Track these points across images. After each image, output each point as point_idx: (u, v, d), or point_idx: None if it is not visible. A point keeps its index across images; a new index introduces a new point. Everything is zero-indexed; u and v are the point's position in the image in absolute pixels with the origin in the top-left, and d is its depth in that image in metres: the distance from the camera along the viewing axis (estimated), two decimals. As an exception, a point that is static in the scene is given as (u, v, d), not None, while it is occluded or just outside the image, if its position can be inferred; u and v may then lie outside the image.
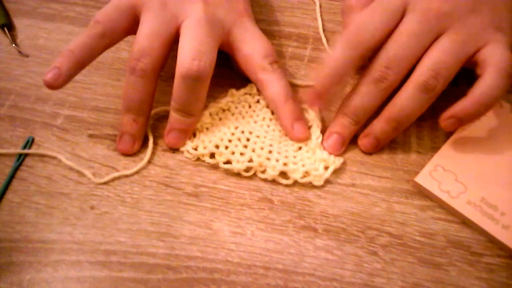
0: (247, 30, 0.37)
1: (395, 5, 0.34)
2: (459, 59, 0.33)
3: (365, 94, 0.34)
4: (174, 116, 0.35)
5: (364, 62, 0.35)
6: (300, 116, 0.36)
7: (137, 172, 0.35)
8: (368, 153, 0.36)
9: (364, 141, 0.36)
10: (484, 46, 0.33)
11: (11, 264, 0.32)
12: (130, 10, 0.35)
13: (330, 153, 0.35)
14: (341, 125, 0.35)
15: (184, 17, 0.35)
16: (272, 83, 0.36)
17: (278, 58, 0.38)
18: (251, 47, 0.36)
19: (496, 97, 0.32)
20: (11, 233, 0.33)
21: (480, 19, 0.33)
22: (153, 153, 0.36)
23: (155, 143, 0.37)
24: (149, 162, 0.36)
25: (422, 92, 0.32)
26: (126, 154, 0.36)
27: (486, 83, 0.31)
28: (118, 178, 0.35)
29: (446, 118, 0.33)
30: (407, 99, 0.33)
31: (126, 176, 0.35)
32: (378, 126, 0.35)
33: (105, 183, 0.35)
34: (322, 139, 0.36)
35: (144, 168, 0.36)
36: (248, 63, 0.37)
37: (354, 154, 0.36)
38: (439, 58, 0.32)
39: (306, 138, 0.36)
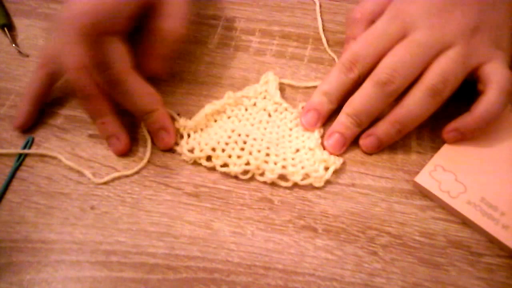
0: None
1: (392, 31, 0.35)
2: (465, 69, 0.34)
3: (370, 97, 0.34)
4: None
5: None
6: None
7: (137, 172, 0.35)
8: (369, 153, 0.36)
9: (366, 141, 0.36)
10: (486, 62, 0.34)
11: (11, 264, 0.32)
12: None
13: (331, 153, 0.35)
14: (344, 126, 0.35)
15: None
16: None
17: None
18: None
19: (497, 114, 0.33)
20: (11, 233, 0.33)
21: (482, 37, 0.34)
22: (153, 153, 0.36)
23: (154, 143, 0.37)
24: (149, 162, 0.36)
25: (430, 95, 0.33)
26: (123, 153, 0.36)
27: (489, 100, 0.33)
28: (118, 178, 0.35)
29: (448, 131, 0.35)
30: (415, 102, 0.33)
31: (126, 176, 0.35)
32: (383, 127, 0.35)
33: (105, 183, 0.35)
34: (323, 138, 0.36)
35: (144, 168, 0.36)
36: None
37: (354, 154, 0.36)
38: (447, 65, 0.33)
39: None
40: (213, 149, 0.35)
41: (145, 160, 0.36)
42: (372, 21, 0.37)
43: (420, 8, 0.35)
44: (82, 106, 0.36)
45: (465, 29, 0.34)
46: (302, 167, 0.35)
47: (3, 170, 0.36)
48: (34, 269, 0.31)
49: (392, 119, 0.35)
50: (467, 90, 0.34)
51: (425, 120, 0.35)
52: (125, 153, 0.36)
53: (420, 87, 0.33)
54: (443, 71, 0.33)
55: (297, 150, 0.36)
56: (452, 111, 0.35)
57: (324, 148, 0.36)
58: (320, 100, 0.37)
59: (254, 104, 0.38)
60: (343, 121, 0.36)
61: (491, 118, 0.33)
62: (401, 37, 0.35)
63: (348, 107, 0.35)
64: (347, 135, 0.36)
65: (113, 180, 0.35)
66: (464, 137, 0.35)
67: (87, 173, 0.35)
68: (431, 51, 0.34)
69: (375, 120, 0.36)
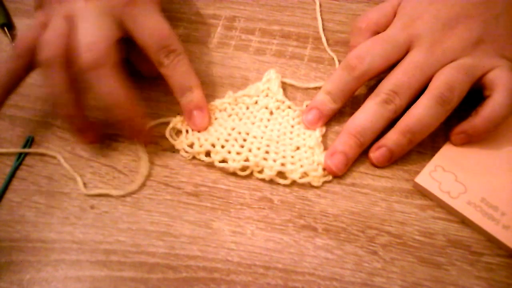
0: (135, 18, 0.34)
1: (399, 40, 0.35)
2: (469, 78, 0.34)
3: (372, 114, 0.34)
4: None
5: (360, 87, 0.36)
6: (199, 105, 0.36)
7: (127, 195, 0.34)
8: (380, 166, 0.35)
9: (376, 153, 0.35)
10: (490, 70, 0.34)
11: (11, 264, 0.32)
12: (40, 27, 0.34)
13: (334, 173, 0.35)
14: (347, 145, 0.35)
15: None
16: (170, 76, 0.35)
17: (176, 40, 0.35)
18: (143, 39, 0.35)
19: (505, 116, 0.33)
20: (11, 233, 0.33)
21: (485, 48, 0.34)
22: (153, 153, 0.36)
23: (155, 143, 0.37)
24: (149, 161, 0.36)
25: (438, 104, 0.33)
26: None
27: (496, 102, 0.33)
28: (109, 195, 0.34)
29: (456, 133, 0.35)
30: (424, 110, 0.33)
31: (114, 196, 0.34)
32: (393, 137, 0.34)
33: (94, 195, 0.34)
34: (325, 156, 0.35)
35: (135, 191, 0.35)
36: (148, 56, 0.35)
37: (354, 154, 0.36)
38: (452, 75, 0.33)
39: (204, 127, 0.36)
40: (213, 145, 0.35)
41: (139, 181, 0.35)
42: (376, 32, 0.37)
43: (427, 23, 0.35)
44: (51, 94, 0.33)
45: (467, 44, 0.34)
46: (301, 166, 0.35)
47: (3, 170, 0.36)
48: (34, 269, 0.31)
49: (402, 129, 0.34)
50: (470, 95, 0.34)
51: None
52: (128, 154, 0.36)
53: (428, 96, 0.33)
54: (448, 79, 0.33)
55: (297, 148, 0.36)
56: (454, 111, 0.35)
57: (325, 166, 0.35)
58: (323, 99, 0.36)
59: (256, 102, 0.38)
60: (346, 140, 0.35)
61: (499, 120, 0.33)
62: (407, 46, 0.35)
63: (350, 126, 0.35)
64: (350, 155, 0.35)
65: (100, 195, 0.34)
66: (472, 140, 0.35)
67: (79, 180, 0.35)
68: (429, 71, 0.34)
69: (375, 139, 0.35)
